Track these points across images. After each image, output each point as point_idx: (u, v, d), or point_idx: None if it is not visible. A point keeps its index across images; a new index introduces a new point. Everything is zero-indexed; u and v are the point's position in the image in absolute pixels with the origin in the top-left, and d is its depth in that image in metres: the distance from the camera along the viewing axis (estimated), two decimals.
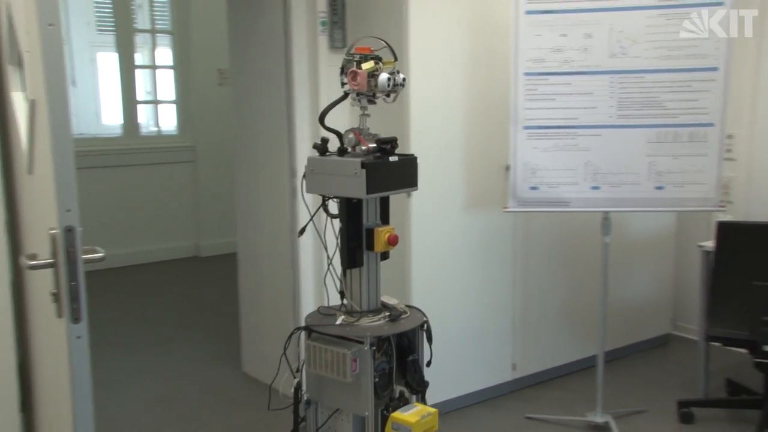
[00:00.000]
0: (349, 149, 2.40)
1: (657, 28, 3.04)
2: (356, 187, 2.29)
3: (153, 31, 6.80)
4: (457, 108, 3.35)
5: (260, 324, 3.93)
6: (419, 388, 2.47)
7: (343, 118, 3.55)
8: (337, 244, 2.46)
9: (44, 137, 1.49)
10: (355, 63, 2.35)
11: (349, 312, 2.47)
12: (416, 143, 3.12)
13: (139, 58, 6.73)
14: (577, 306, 3.88)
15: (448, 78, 3.30)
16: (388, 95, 2.40)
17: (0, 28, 2.12)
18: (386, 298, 2.53)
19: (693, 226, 4.25)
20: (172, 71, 6.86)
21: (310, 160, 2.44)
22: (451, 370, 3.40)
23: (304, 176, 2.46)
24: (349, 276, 2.47)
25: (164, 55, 6.89)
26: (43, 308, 1.75)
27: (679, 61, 3.05)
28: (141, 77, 6.74)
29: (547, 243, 3.74)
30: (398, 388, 2.46)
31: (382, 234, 2.39)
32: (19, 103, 2.00)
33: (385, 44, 2.45)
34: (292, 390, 2.51)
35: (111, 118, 6.76)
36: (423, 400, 2.48)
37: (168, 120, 7.02)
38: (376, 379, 2.35)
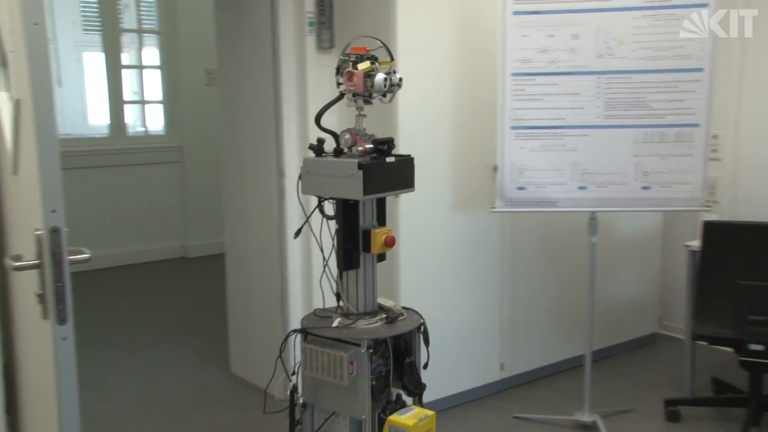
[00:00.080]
0: (345, 150, 2.38)
1: (643, 28, 3.06)
2: (353, 188, 2.26)
3: (140, 31, 6.77)
4: (444, 108, 3.35)
5: (248, 325, 3.92)
6: (416, 391, 2.45)
7: (331, 119, 3.55)
8: (333, 245, 2.43)
9: (29, 137, 1.48)
10: (350, 63, 2.33)
11: (346, 314, 2.44)
12: (404, 144, 3.12)
13: (126, 58, 6.69)
14: (564, 306, 3.90)
15: (435, 78, 3.30)
16: (384, 95, 2.37)
17: None
18: (382, 300, 2.50)
19: (679, 226, 4.28)
20: (159, 71, 6.83)
21: (306, 161, 2.42)
22: (440, 370, 3.39)
23: (299, 177, 2.43)
24: (345, 278, 2.44)
25: (151, 55, 6.86)
26: (28, 309, 1.74)
27: (665, 62, 3.07)
28: (128, 77, 6.71)
29: (535, 243, 3.75)
30: (395, 391, 2.43)
31: (378, 235, 2.37)
32: (3, 103, 1.99)
33: (381, 44, 2.43)
34: (288, 393, 2.48)
35: (97, 118, 6.72)
36: (420, 403, 2.46)
37: (155, 120, 6.99)
38: (373, 382, 2.32)
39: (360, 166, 2.25)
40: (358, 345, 2.29)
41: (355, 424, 2.38)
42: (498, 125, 3.20)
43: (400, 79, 2.36)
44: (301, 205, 2.51)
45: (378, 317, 2.42)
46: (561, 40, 3.11)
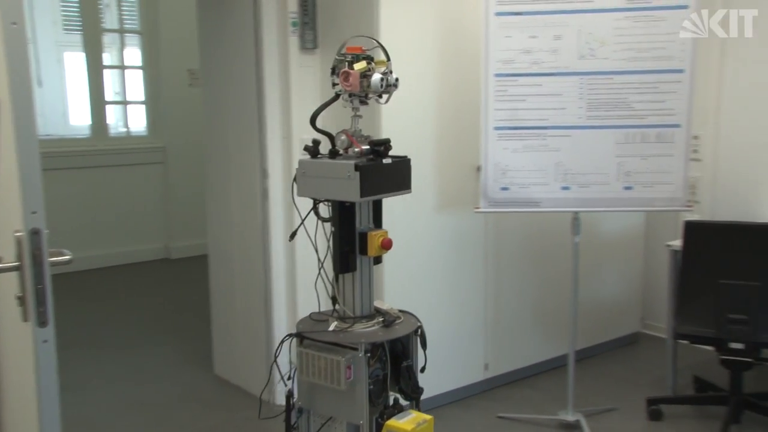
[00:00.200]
0: (341, 151, 2.34)
1: (624, 30, 3.08)
2: (350, 190, 2.23)
3: (121, 31, 6.72)
4: (428, 109, 3.36)
5: (232, 326, 3.90)
6: (414, 395, 2.42)
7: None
8: (328, 247, 2.40)
9: (8, 138, 1.46)
10: (346, 63, 2.29)
11: (342, 318, 2.40)
12: None
13: (108, 58, 6.64)
14: (548, 306, 3.92)
15: (419, 79, 3.31)
16: (380, 96, 2.35)
17: None
18: (378, 303, 2.47)
19: (661, 226, 4.31)
20: (141, 71, 6.79)
21: (301, 162, 2.38)
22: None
23: (294, 179, 2.39)
24: (342, 281, 2.42)
25: (133, 55, 6.81)
26: (8, 312, 1.72)
27: (646, 63, 3.10)
28: (109, 77, 6.66)
29: (519, 243, 3.77)
30: (392, 395, 2.41)
31: (375, 238, 2.34)
32: None
33: (377, 44, 2.40)
34: (285, 398, 2.45)
35: (79, 118, 6.66)
36: (418, 407, 2.43)
37: (137, 121, 6.94)
38: (371, 387, 2.29)
39: (357, 167, 2.21)
40: (355, 349, 2.26)
41: (352, 429, 2.35)
42: (481, 126, 3.21)
43: (397, 80, 2.33)
44: (296, 207, 2.46)
45: (375, 321, 2.38)
46: (543, 41, 3.13)
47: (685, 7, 3.05)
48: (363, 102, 2.36)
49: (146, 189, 6.68)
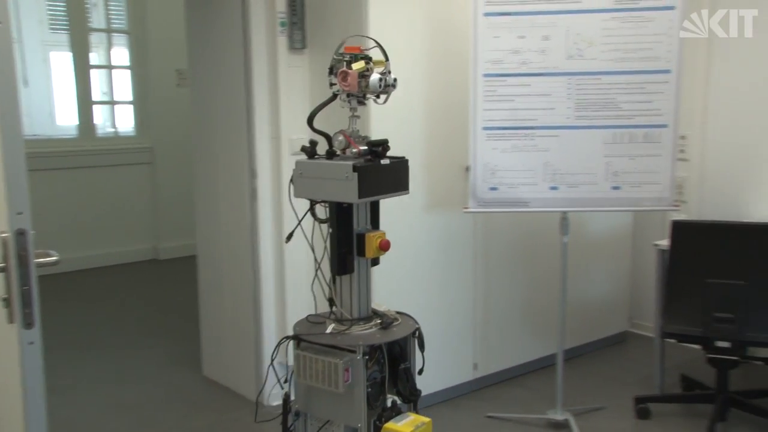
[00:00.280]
0: (339, 152, 2.33)
1: (612, 30, 3.10)
2: (348, 191, 2.21)
3: (108, 31, 6.68)
4: (417, 109, 3.36)
5: (220, 327, 3.89)
6: (412, 397, 2.41)
7: (301, 120, 3.54)
8: (325, 248, 2.37)
9: None
10: (344, 63, 2.27)
11: (339, 320, 2.38)
12: None
13: (95, 57, 6.60)
14: (536, 305, 3.93)
15: (408, 79, 3.30)
16: (378, 96, 2.33)
17: None
18: (376, 305, 2.45)
19: (649, 226, 4.34)
20: (128, 71, 6.75)
21: (298, 163, 2.35)
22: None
23: (291, 180, 2.37)
24: (339, 283, 2.39)
25: (120, 54, 6.77)
26: None
27: (633, 63, 3.11)
28: (97, 77, 6.62)
29: (507, 243, 3.78)
30: (390, 398, 2.39)
31: (373, 239, 2.33)
32: None
33: (376, 43, 2.38)
34: (282, 401, 2.44)
35: (66, 119, 6.62)
36: (415, 409, 2.42)
37: (125, 121, 6.91)
38: (369, 389, 2.27)
39: (355, 168, 2.19)
40: (353, 351, 2.24)
41: None
42: (470, 126, 3.22)
43: (395, 80, 2.31)
44: (293, 208, 2.43)
45: (373, 323, 2.37)
46: (532, 42, 3.14)
47: (672, 8, 3.07)
48: (361, 102, 2.34)
49: (134, 189, 6.65)
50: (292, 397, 2.44)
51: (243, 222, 3.59)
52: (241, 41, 3.43)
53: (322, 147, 2.37)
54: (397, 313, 2.48)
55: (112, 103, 6.84)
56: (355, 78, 2.25)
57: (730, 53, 3.96)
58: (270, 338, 3.61)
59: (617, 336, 4.49)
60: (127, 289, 5.92)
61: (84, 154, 6.41)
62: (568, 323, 3.53)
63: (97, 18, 6.59)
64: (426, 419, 2.30)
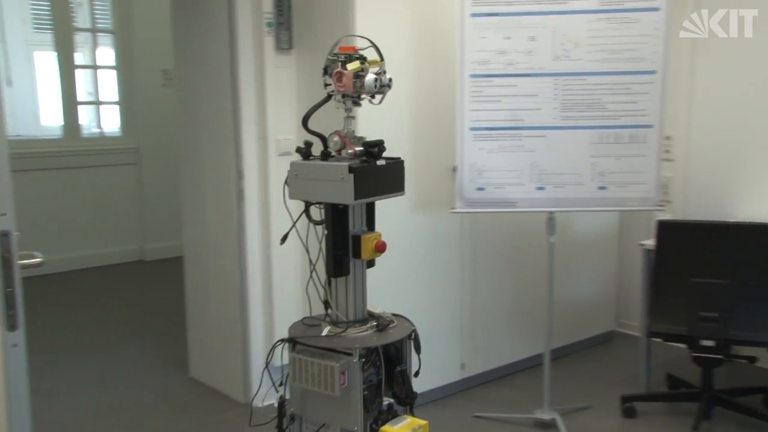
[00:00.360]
0: (334, 153, 2.30)
1: (598, 31, 3.11)
2: (343, 192, 2.18)
3: (94, 30, 6.64)
4: (404, 110, 3.36)
5: (207, 328, 3.88)
6: (408, 400, 2.39)
7: (288, 121, 3.53)
8: (320, 250, 2.34)
9: None
10: (339, 63, 2.25)
11: (335, 322, 2.35)
12: None
13: (80, 57, 6.56)
14: (524, 305, 3.94)
15: (395, 80, 3.29)
16: (373, 96, 2.32)
17: None
18: (371, 307, 2.43)
19: (635, 226, 4.36)
20: (114, 71, 6.71)
21: (293, 164, 2.32)
22: None
23: (286, 182, 2.34)
24: (335, 285, 2.36)
25: (106, 54, 6.73)
26: None
27: (619, 64, 3.13)
28: (82, 77, 6.57)
29: (494, 243, 3.79)
30: (386, 401, 2.37)
31: (369, 241, 2.31)
32: None
33: (371, 43, 2.36)
34: (276, 405, 2.41)
35: (51, 119, 6.57)
36: (412, 412, 2.41)
37: (111, 121, 6.87)
38: (365, 392, 2.24)
39: (351, 169, 2.17)
40: (349, 354, 2.22)
41: None
42: (457, 126, 3.22)
43: (390, 80, 2.30)
44: (287, 209, 2.40)
45: (368, 325, 2.35)
46: (518, 42, 3.15)
47: (656, 9, 3.09)
48: (356, 103, 2.32)
49: (120, 190, 6.62)
50: (287, 396, 2.41)
51: (230, 223, 3.58)
52: (228, 41, 3.42)
53: (316, 148, 2.35)
54: (393, 315, 2.46)
55: (97, 103, 6.79)
56: (351, 78, 2.23)
57: (715, 54, 3.99)
58: (257, 339, 3.61)
59: (604, 335, 4.51)
60: (113, 290, 5.88)
61: (69, 155, 6.36)
62: (555, 323, 3.54)
63: (82, 17, 6.55)
64: (423, 422, 2.29)
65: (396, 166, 2.37)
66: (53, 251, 5.90)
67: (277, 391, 2.43)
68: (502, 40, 3.15)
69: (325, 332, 2.31)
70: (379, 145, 2.31)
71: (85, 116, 6.70)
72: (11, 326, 1.42)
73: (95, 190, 6.46)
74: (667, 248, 3.27)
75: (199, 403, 3.70)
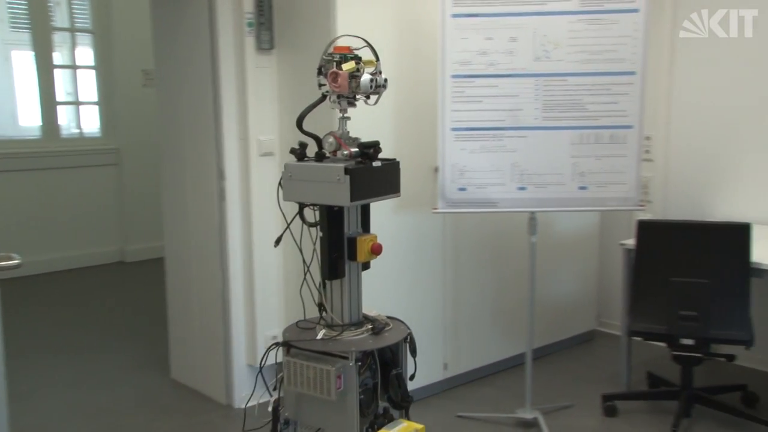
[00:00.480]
0: (329, 154, 2.28)
1: (578, 32, 3.13)
2: (339, 194, 2.16)
3: (72, 30, 6.57)
4: (386, 110, 3.36)
5: (189, 329, 3.85)
6: (404, 403, 2.37)
7: (270, 121, 3.52)
8: (314, 252, 2.33)
9: None
10: (334, 63, 2.23)
11: (330, 325, 2.33)
12: None
13: (59, 57, 6.49)
14: (506, 305, 3.96)
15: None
16: (368, 97, 2.30)
17: None
18: (366, 309, 2.42)
19: (615, 225, 4.39)
20: (93, 71, 6.65)
21: (287, 166, 2.30)
22: None
23: (279, 184, 2.32)
24: (330, 287, 2.35)
25: (85, 54, 6.67)
26: None
27: (599, 65, 3.15)
28: (60, 77, 6.51)
29: (476, 243, 3.80)
30: (382, 405, 2.35)
31: (365, 243, 2.29)
32: None
33: (366, 43, 2.35)
34: (270, 409, 2.39)
35: (29, 119, 6.50)
36: (407, 416, 2.39)
37: (90, 122, 6.80)
38: (361, 396, 2.23)
39: (347, 170, 2.15)
40: (345, 358, 2.19)
41: None
42: (438, 127, 3.23)
43: (386, 80, 2.28)
44: (282, 211, 2.38)
45: (364, 328, 2.33)
46: (499, 43, 3.16)
47: (636, 10, 3.11)
48: (351, 103, 2.30)
49: (100, 191, 6.56)
50: (278, 395, 2.38)
51: (211, 223, 3.56)
52: (209, 41, 3.40)
53: (310, 150, 2.34)
54: (388, 317, 2.44)
55: (76, 103, 6.72)
56: (346, 79, 2.21)
57: (693, 56, 4.04)
58: (239, 340, 3.59)
59: (585, 335, 4.54)
60: (93, 292, 5.83)
61: (48, 156, 6.30)
62: (536, 322, 3.56)
63: (60, 17, 6.48)
64: (419, 426, 2.28)
65: (391, 167, 2.36)
66: (32, 253, 5.84)
67: (271, 395, 2.40)
68: (483, 41, 3.16)
69: (320, 335, 2.29)
70: (374, 146, 2.30)
71: (64, 117, 6.64)
72: None
73: (75, 191, 6.40)
74: (647, 248, 3.30)
75: (181, 404, 3.67)
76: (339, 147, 2.28)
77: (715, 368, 3.95)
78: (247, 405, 2.76)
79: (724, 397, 3.50)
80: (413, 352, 2.39)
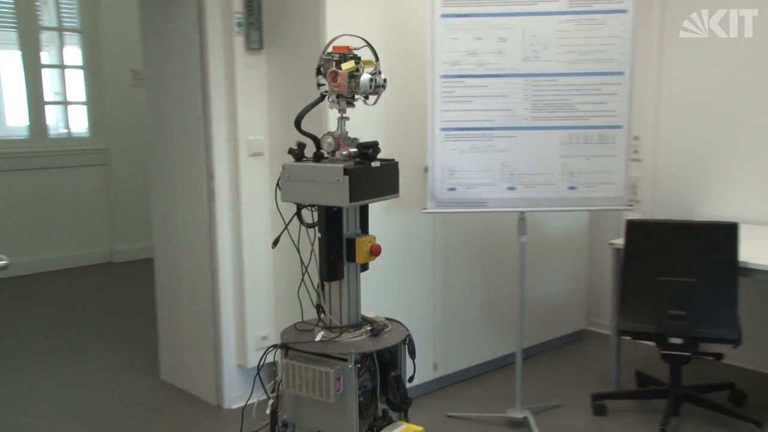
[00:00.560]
0: (327, 154, 2.27)
1: (567, 33, 3.14)
2: (338, 194, 2.14)
3: (60, 29, 6.53)
4: (375, 110, 3.34)
5: (178, 330, 3.84)
6: (403, 405, 2.36)
7: (259, 121, 3.51)
8: (312, 252, 2.31)
9: None
10: (334, 63, 2.21)
11: (328, 327, 2.31)
12: None
13: (46, 56, 6.45)
14: (495, 304, 3.96)
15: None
16: (367, 97, 2.29)
17: None
18: (364, 311, 2.40)
19: (605, 225, 4.41)
20: (81, 71, 6.62)
21: (286, 166, 2.27)
22: None
23: (277, 184, 2.29)
24: (328, 289, 2.32)
25: (73, 54, 6.63)
26: None
27: (588, 65, 3.16)
28: (48, 77, 6.47)
29: (466, 243, 3.80)
30: (381, 407, 2.33)
31: (364, 244, 2.27)
32: None
33: (366, 43, 2.33)
34: (268, 412, 2.36)
35: (16, 119, 6.45)
36: (406, 418, 2.38)
37: (79, 122, 6.76)
38: (360, 398, 2.21)
39: (346, 171, 2.13)
40: (344, 360, 2.18)
41: None
42: (428, 127, 3.23)
43: (385, 80, 2.27)
44: (280, 212, 2.36)
45: (363, 330, 2.31)
46: (489, 43, 3.16)
47: (624, 11, 3.13)
48: (350, 103, 2.29)
49: (89, 191, 6.53)
50: (268, 398, 2.37)
51: (200, 224, 3.55)
52: (198, 41, 3.39)
53: (308, 150, 2.32)
54: (386, 319, 2.43)
55: (64, 103, 6.68)
56: (345, 78, 2.19)
57: (681, 56, 4.06)
58: (229, 341, 3.58)
59: (575, 334, 4.55)
60: (83, 293, 5.80)
61: (36, 156, 6.27)
62: (526, 322, 3.57)
63: (47, 16, 6.44)
64: (418, 428, 2.27)
65: (390, 167, 2.34)
66: (20, 254, 5.81)
67: (269, 398, 2.37)
68: (473, 41, 3.17)
69: (318, 337, 2.27)
70: (373, 146, 2.28)
71: (52, 116, 6.60)
72: None
73: (63, 191, 6.37)
74: (635, 247, 3.31)
75: (171, 405, 3.66)
76: (338, 147, 2.26)
77: (703, 367, 3.97)
78: (244, 406, 2.74)
79: (713, 396, 3.52)
80: (412, 354, 2.37)
